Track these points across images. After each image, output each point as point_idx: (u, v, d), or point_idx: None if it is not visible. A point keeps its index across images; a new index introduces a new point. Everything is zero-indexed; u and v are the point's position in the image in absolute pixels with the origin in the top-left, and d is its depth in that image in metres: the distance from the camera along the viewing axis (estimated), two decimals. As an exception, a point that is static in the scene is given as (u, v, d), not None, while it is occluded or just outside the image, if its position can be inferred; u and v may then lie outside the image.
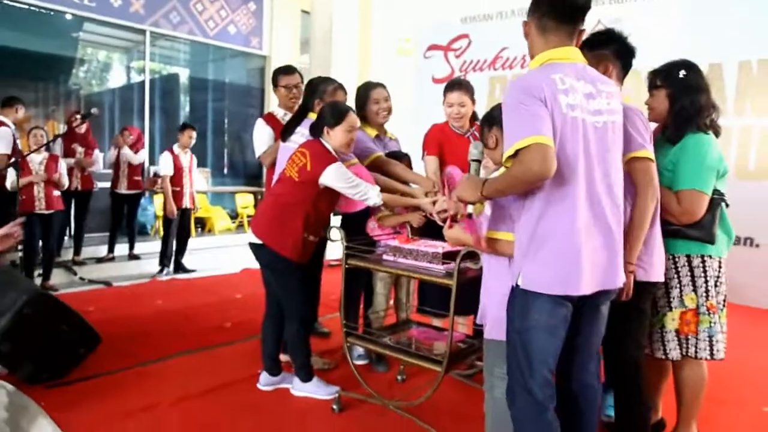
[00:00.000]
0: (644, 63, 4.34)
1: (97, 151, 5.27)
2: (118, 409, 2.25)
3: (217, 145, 8.53)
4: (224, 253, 6.08)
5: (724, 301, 1.90)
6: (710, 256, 1.85)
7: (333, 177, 2.21)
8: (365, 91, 2.77)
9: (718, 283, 1.87)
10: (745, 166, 4.35)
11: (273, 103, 7.97)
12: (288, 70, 3.02)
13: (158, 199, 6.51)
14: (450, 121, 2.70)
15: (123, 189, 5.29)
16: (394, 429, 2.15)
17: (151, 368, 2.70)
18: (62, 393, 2.38)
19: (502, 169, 1.78)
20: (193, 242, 6.43)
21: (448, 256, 2.02)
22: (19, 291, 2.48)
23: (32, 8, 5.96)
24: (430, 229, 2.44)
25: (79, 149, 5.05)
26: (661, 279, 1.76)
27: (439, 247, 2.10)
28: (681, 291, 1.87)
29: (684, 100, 1.86)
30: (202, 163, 8.14)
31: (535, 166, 1.31)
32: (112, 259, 5.43)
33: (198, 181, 6.70)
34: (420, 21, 6.61)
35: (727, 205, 1.90)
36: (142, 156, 5.50)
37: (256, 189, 7.79)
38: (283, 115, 2.93)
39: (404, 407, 2.20)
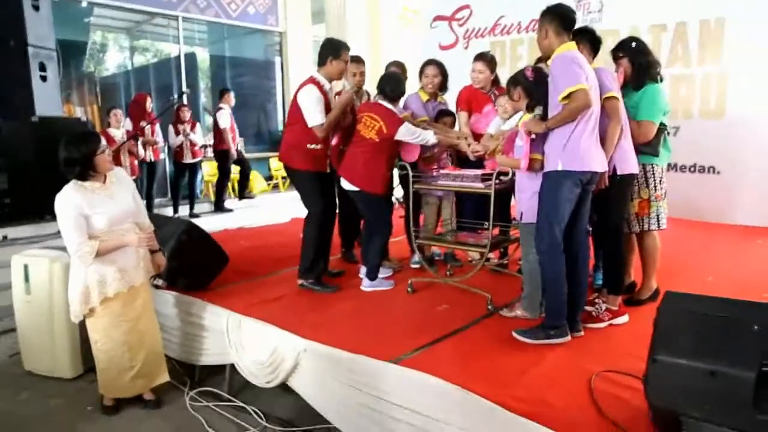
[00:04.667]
0: (623, 23, 5.28)
1: (158, 130, 6.22)
2: (259, 299, 3.26)
3: (244, 115, 9.40)
4: (266, 210, 7.04)
5: (665, 193, 2.94)
6: (657, 165, 2.90)
7: (405, 133, 3.22)
8: (422, 66, 3.78)
9: (661, 182, 2.92)
10: (708, 107, 5.31)
11: (292, 76, 8.94)
12: (348, 47, 3.38)
13: (206, 166, 7.48)
14: (473, 83, 3.68)
15: (188, 159, 6.26)
16: (454, 295, 3.19)
17: (266, 279, 3.71)
18: (214, 294, 3.37)
19: (521, 114, 2.81)
20: (237, 202, 7.44)
21: (485, 177, 3.02)
22: (174, 223, 3.49)
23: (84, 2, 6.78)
24: (463, 164, 3.54)
25: (147, 127, 5.98)
26: (633, 171, 2.76)
27: (478, 171, 3.11)
28: (638, 188, 2.91)
29: (640, 60, 2.85)
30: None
31: (584, 101, 2.34)
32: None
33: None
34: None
35: (668, 133, 2.93)
36: (200, 133, 6.46)
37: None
38: (329, 88, 3.36)
39: (460, 281, 3.25)
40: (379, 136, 3.21)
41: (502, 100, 3.33)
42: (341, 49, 3.32)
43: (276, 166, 8.40)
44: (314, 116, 3.24)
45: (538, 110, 2.56)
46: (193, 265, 3.41)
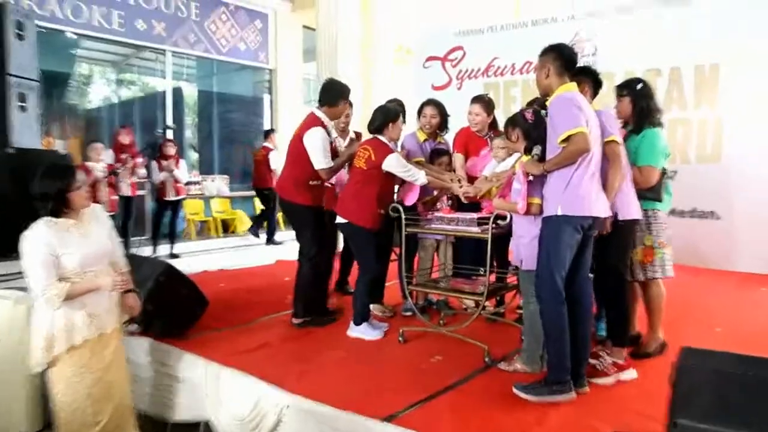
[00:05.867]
0: (618, 67, 5.36)
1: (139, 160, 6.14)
2: (241, 348, 3.11)
3: (231, 152, 9.36)
4: (250, 251, 6.91)
5: (669, 239, 2.89)
6: (659, 210, 2.86)
7: (393, 163, 3.19)
8: (420, 106, 3.80)
9: (664, 227, 2.87)
10: (704, 151, 5.36)
11: (281, 114, 8.99)
12: (347, 94, 3.59)
13: (188, 205, 7.39)
14: (470, 126, 3.67)
15: (171, 196, 6.17)
16: (449, 346, 3.07)
17: (248, 327, 3.56)
18: (191, 342, 3.21)
19: (516, 155, 2.80)
20: (220, 242, 7.33)
21: (481, 221, 2.96)
22: (152, 264, 3.36)
23: (71, 34, 6.81)
24: (461, 207, 3.45)
25: (129, 159, 5.90)
26: (636, 216, 2.71)
27: (474, 215, 3.04)
28: (642, 234, 2.85)
29: (642, 104, 2.85)
30: (221, 170, 8.99)
31: (583, 145, 2.32)
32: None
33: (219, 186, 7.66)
34: (418, 34, 7.56)
35: (669, 177, 2.93)
36: (185, 170, 6.40)
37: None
38: (331, 127, 3.50)
39: (455, 331, 3.13)
40: (367, 164, 3.23)
41: (496, 142, 3.34)
42: (348, 93, 3.54)
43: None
44: (321, 160, 3.36)
45: (537, 149, 2.54)
46: (170, 309, 3.27)
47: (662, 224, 2.87)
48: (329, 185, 3.69)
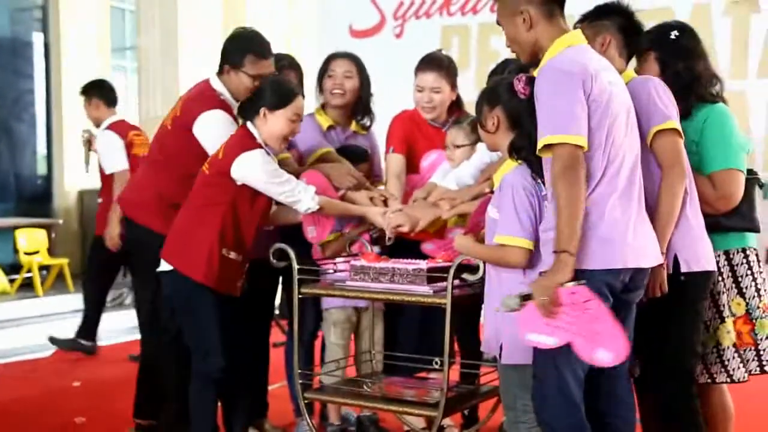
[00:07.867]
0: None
1: None
2: None
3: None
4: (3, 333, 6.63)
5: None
6: (752, 248, 2.75)
7: (249, 167, 3.00)
8: (326, 61, 3.74)
9: (765, 279, 2.77)
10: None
11: (69, 71, 8.48)
12: (264, 51, 3.39)
13: None
14: (420, 110, 3.61)
15: None
16: None
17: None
18: None
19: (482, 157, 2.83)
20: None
21: (434, 275, 2.76)
22: None
23: None
24: (398, 248, 3.33)
25: None
26: (710, 268, 2.57)
27: (422, 264, 2.84)
28: (727, 294, 2.74)
29: (676, 66, 2.76)
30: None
31: (569, 162, 2.13)
32: None
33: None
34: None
35: (761, 186, 2.84)
36: None
37: (49, 220, 8.31)
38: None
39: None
40: (210, 167, 3.13)
41: (453, 133, 3.33)
42: (247, 55, 3.32)
43: (28, 244, 7.94)
44: None
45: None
46: None
47: (758, 272, 2.76)
48: None
